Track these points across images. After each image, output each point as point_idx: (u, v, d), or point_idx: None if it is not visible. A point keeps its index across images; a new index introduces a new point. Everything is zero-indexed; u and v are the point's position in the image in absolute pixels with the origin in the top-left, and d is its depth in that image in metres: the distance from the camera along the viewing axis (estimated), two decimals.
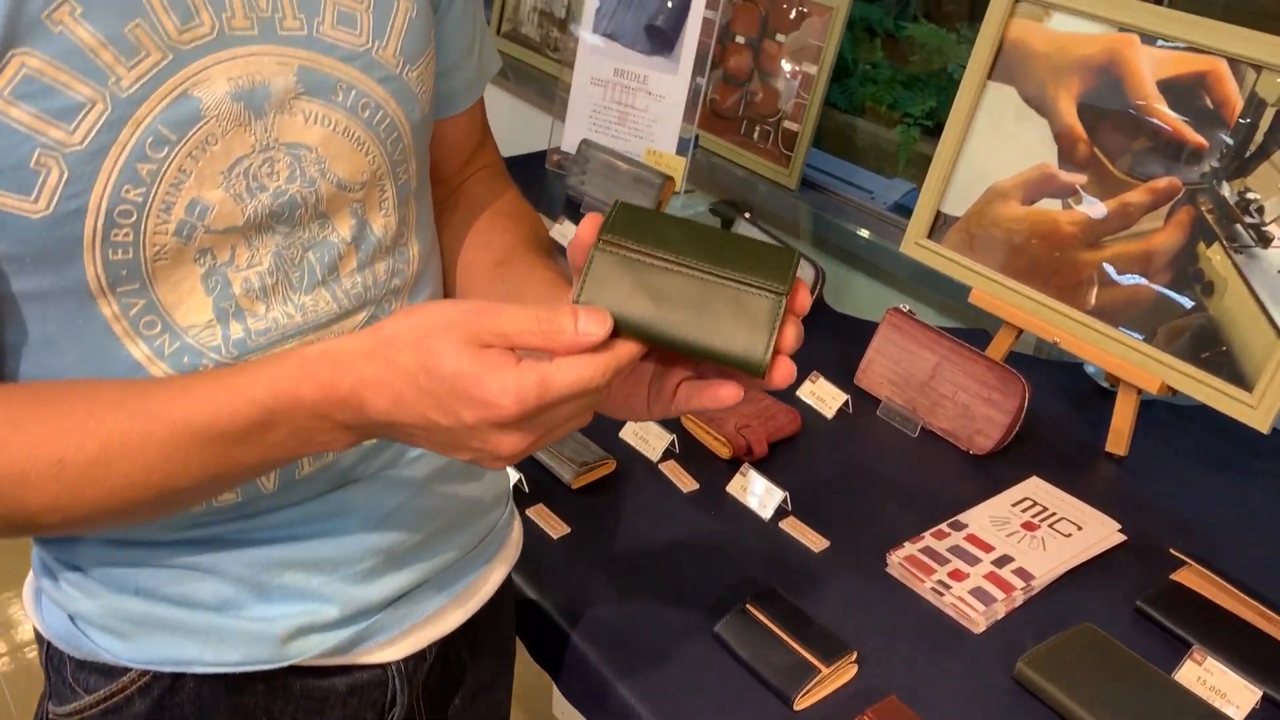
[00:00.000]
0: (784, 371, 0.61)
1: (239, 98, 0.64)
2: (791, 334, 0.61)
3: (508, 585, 0.94)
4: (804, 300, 0.62)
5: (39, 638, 0.80)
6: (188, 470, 0.62)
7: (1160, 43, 1.24)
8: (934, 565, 1.09)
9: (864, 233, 1.78)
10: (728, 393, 0.63)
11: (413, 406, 0.59)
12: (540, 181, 2.00)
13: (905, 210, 1.81)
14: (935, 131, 1.91)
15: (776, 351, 0.61)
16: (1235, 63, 1.18)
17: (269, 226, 0.68)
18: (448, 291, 0.88)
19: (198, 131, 0.63)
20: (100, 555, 0.74)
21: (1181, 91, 1.23)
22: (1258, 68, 1.17)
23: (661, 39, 1.86)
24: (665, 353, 0.65)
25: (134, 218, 0.62)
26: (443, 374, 0.57)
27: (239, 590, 0.74)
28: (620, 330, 0.60)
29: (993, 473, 1.27)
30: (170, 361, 0.67)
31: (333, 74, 0.69)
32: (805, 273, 1.52)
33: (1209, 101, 1.21)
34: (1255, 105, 1.17)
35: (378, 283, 0.76)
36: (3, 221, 0.60)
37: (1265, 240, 1.17)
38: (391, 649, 0.82)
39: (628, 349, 0.60)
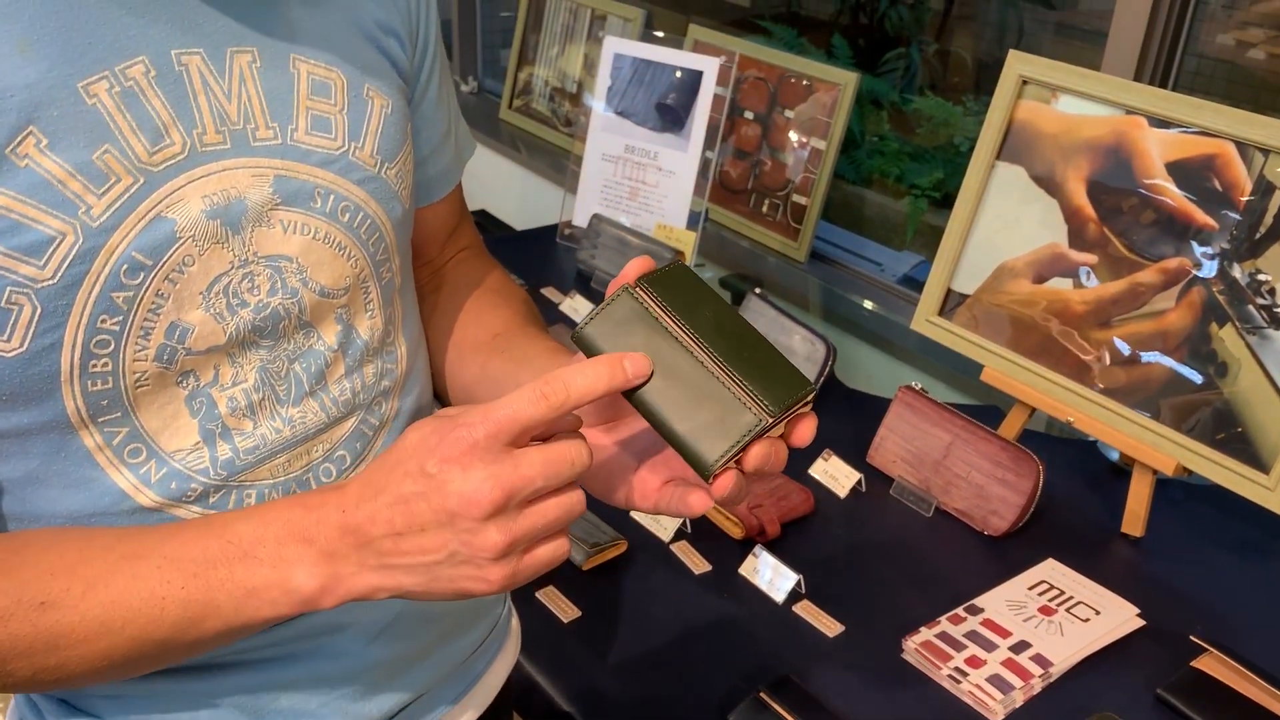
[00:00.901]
0: (724, 485, 0.59)
1: (214, 215, 0.62)
2: (760, 455, 0.59)
3: (508, 679, 0.92)
4: (804, 435, 0.61)
5: None
6: (165, 613, 0.58)
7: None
8: (950, 651, 1.08)
9: (869, 305, 1.78)
10: (696, 500, 0.62)
11: (393, 488, 0.57)
12: (551, 254, 2.02)
13: (914, 283, 1.82)
14: (943, 203, 1.92)
15: (739, 465, 0.59)
16: (1243, 146, 1.19)
17: (252, 342, 0.66)
18: (436, 375, 0.85)
19: (174, 254, 0.61)
20: (90, 687, 0.70)
21: (1190, 173, 1.23)
22: (1265, 151, 1.17)
23: (672, 116, 1.89)
24: (651, 452, 0.64)
25: (111, 347, 0.60)
26: (408, 446, 0.57)
27: (235, 716, 0.71)
28: None
29: (1008, 554, 1.25)
30: (157, 488, 0.65)
31: (309, 180, 0.67)
32: (817, 350, 1.52)
33: (1217, 184, 1.21)
34: (1264, 188, 1.18)
35: (366, 386, 0.74)
36: None
37: (1277, 322, 1.16)
38: None
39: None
